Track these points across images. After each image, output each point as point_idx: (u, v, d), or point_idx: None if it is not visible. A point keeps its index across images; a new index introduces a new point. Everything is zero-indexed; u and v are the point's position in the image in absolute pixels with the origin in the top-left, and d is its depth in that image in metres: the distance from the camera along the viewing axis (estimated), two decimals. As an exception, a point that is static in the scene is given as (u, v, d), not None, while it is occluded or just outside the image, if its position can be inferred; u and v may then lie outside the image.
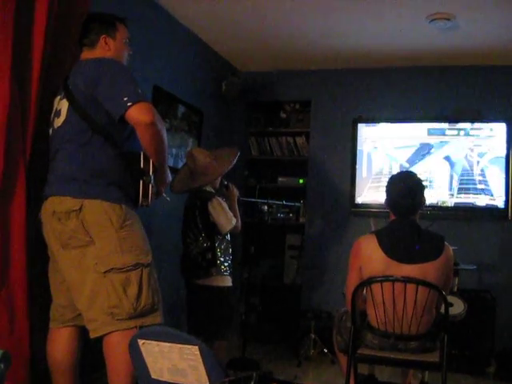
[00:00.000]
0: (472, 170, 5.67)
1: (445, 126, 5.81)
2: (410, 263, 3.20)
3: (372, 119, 6.06)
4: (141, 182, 2.83)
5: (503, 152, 5.58)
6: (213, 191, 4.19)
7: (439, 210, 5.62)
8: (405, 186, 3.35)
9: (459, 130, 5.75)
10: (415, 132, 5.89)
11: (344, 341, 3.50)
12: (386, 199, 3.44)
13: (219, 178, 4.27)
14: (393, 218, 3.42)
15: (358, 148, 6.02)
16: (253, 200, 5.47)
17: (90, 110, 2.74)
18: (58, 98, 2.90)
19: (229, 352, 4.50)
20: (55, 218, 2.75)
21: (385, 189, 3.47)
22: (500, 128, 5.62)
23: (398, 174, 3.68)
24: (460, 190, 5.68)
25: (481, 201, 5.62)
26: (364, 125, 6.05)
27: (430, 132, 5.84)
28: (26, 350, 2.90)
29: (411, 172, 3.76)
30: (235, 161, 4.18)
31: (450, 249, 3.30)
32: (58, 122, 2.84)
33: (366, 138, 6.03)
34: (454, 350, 5.00)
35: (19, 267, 2.90)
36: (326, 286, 6.07)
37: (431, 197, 5.66)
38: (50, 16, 2.97)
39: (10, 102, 2.81)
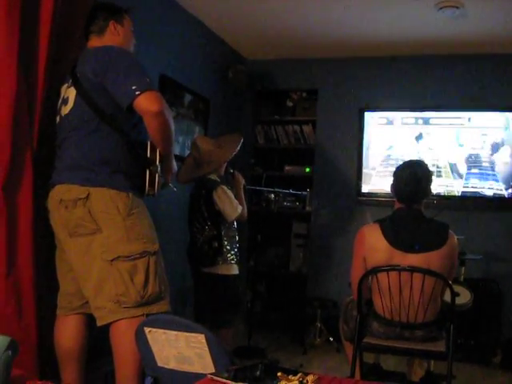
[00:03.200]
0: (479, 160, 5.65)
1: (452, 114, 5.79)
2: (414, 252, 3.20)
3: (379, 108, 6.04)
4: (147, 170, 2.83)
5: (510, 141, 5.56)
6: (218, 180, 4.18)
7: (446, 200, 5.60)
8: (411, 173, 3.34)
9: (467, 118, 5.73)
10: (422, 121, 5.87)
11: (350, 329, 3.51)
12: (392, 184, 3.44)
13: (224, 166, 4.27)
14: (397, 206, 3.42)
15: (365, 136, 6.00)
16: (259, 188, 5.48)
17: (97, 98, 2.74)
18: (66, 85, 2.91)
19: (235, 340, 4.52)
20: (62, 206, 2.76)
21: (392, 175, 3.47)
22: (508, 117, 5.60)
23: (408, 161, 3.68)
24: (467, 180, 5.67)
25: (488, 190, 5.60)
26: (371, 113, 6.04)
27: (437, 121, 5.82)
28: (33, 337, 2.91)
29: (420, 160, 3.75)
30: (239, 147, 4.18)
31: (454, 237, 3.29)
32: (66, 110, 2.84)
33: (373, 126, 6.01)
34: (460, 340, 5.00)
35: (26, 255, 2.91)
36: (331, 275, 6.08)
37: (438, 186, 5.66)
38: (56, 5, 2.97)
39: (17, 90, 2.81)
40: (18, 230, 2.89)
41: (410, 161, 3.70)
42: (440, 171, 5.73)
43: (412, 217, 3.32)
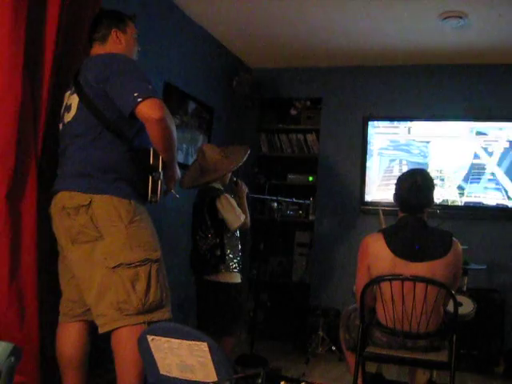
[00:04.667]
0: (482, 169, 5.65)
1: (456, 124, 5.79)
2: (418, 261, 3.19)
3: (382, 117, 6.05)
4: (150, 177, 2.83)
5: (514, 151, 5.57)
6: (221, 188, 4.19)
7: (449, 209, 5.60)
8: (413, 183, 3.33)
9: (470, 128, 5.73)
10: (426, 130, 5.88)
11: (352, 339, 3.50)
12: (394, 193, 3.44)
13: (228, 175, 4.27)
14: (400, 215, 3.42)
15: (368, 145, 6.01)
16: (262, 197, 5.48)
17: (100, 105, 2.74)
18: (69, 93, 2.91)
19: (237, 348, 4.51)
20: (64, 213, 2.76)
21: (395, 184, 3.47)
22: (511, 127, 5.60)
23: (410, 170, 3.67)
24: (470, 189, 5.67)
25: (491, 200, 5.60)
26: (374, 122, 6.04)
27: (441, 130, 5.82)
28: (35, 344, 2.91)
29: (423, 169, 3.75)
30: (245, 158, 4.19)
31: (458, 245, 3.28)
32: (68, 117, 2.84)
33: (376, 135, 6.02)
34: (463, 350, 4.99)
35: (29, 262, 2.91)
36: (334, 284, 6.07)
37: (441, 196, 5.65)
38: (62, 12, 2.98)
39: (22, 97, 2.82)
40: (22, 237, 2.90)
41: (412, 170, 3.69)
42: (443, 181, 5.72)
43: (415, 226, 3.31)
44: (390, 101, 6.08)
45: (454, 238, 3.27)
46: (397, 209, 3.46)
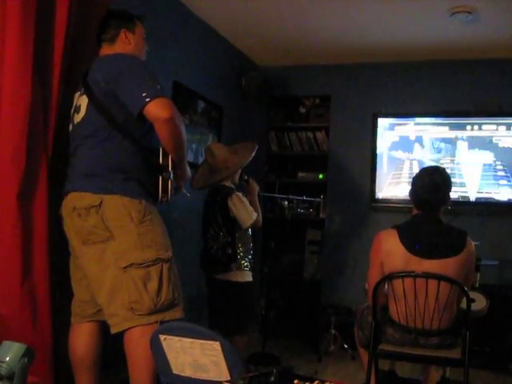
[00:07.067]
0: (493, 165, 5.62)
1: (466, 120, 5.76)
2: (431, 258, 3.18)
3: (392, 114, 6.03)
4: (160, 177, 2.83)
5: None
6: (233, 187, 4.19)
7: (461, 205, 5.57)
8: (430, 181, 3.31)
9: (480, 124, 5.70)
10: (435, 126, 5.85)
11: (365, 336, 3.49)
12: (410, 190, 3.41)
13: (239, 172, 4.27)
14: (415, 212, 3.39)
15: (378, 142, 5.99)
16: (273, 195, 5.47)
17: (109, 105, 2.74)
18: (78, 93, 2.91)
19: (249, 347, 4.50)
20: (75, 214, 2.76)
21: (411, 181, 3.45)
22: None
23: (427, 167, 3.64)
24: (481, 185, 5.64)
25: (502, 195, 5.57)
26: (384, 119, 6.02)
27: (451, 126, 5.80)
28: (48, 345, 2.92)
29: (440, 167, 3.70)
30: (254, 153, 4.18)
31: (472, 244, 3.26)
32: (78, 118, 2.85)
33: (386, 132, 6.00)
34: (476, 347, 4.95)
35: (41, 263, 2.92)
36: (346, 282, 6.06)
37: (453, 192, 5.62)
38: (70, 14, 2.99)
39: (32, 99, 2.83)
40: (34, 238, 2.91)
41: (430, 167, 3.65)
42: (454, 177, 5.69)
43: (430, 223, 3.30)
44: (400, 97, 6.06)
45: (468, 238, 3.25)
46: (409, 206, 3.44)
